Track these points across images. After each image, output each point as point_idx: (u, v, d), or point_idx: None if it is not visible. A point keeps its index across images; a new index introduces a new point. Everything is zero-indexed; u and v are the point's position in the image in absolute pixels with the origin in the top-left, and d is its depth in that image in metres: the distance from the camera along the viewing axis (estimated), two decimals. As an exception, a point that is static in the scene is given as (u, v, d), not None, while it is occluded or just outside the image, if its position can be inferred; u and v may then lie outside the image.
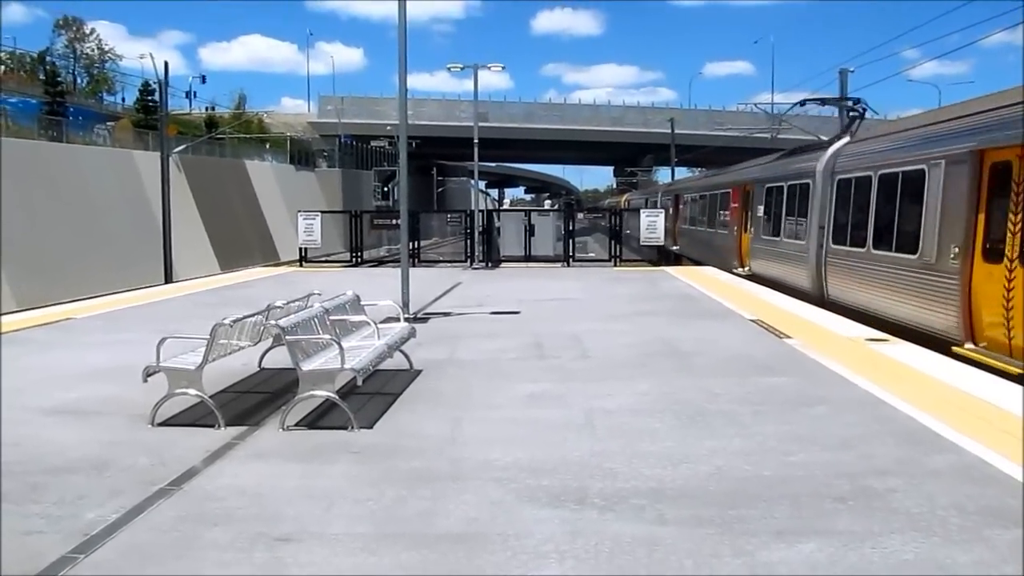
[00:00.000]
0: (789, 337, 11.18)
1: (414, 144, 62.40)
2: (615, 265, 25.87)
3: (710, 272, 22.63)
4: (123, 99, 78.49)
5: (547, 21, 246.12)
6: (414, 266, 20.19)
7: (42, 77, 64.29)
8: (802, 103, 30.96)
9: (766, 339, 11.25)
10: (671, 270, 23.63)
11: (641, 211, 27.73)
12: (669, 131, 69.12)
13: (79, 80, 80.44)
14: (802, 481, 5.53)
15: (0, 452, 6.22)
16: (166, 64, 41.40)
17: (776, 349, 10.50)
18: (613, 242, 27.09)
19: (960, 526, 4.74)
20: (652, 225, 25.78)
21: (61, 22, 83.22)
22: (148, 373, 7.25)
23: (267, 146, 70.34)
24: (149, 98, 62.97)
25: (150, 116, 57.91)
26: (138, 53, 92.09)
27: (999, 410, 7.21)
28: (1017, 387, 8.01)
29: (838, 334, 11.47)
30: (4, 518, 4.94)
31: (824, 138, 25.35)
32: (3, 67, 72.62)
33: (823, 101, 31.66)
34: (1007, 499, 5.14)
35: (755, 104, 56.97)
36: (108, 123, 54.54)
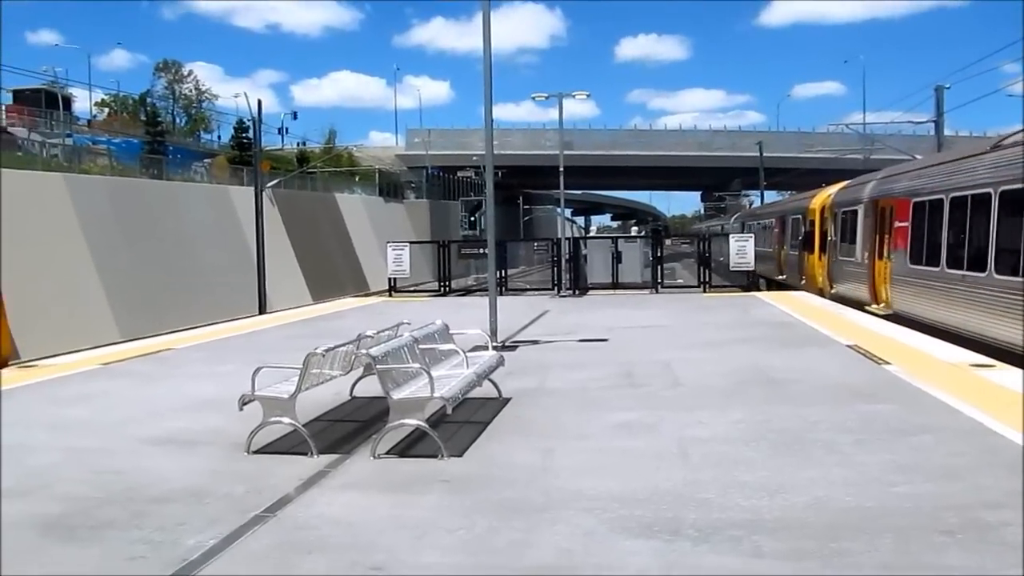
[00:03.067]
0: (888, 363, 10.81)
1: (500, 174, 62.86)
2: (704, 291, 25.51)
3: (803, 297, 22.12)
4: (219, 137, 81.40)
5: (631, 48, 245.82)
6: (501, 294, 20.23)
7: (143, 118, 67.01)
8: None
9: (864, 365, 10.90)
10: (763, 295, 23.18)
11: (730, 236, 27.33)
12: (757, 154, 68.23)
13: (178, 120, 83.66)
14: (907, 513, 5.30)
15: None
16: (259, 102, 42.65)
17: (875, 375, 10.16)
18: (702, 268, 26.73)
19: (1081, 562, 4.48)
20: (742, 250, 25.36)
21: (161, 65, 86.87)
22: (243, 402, 7.40)
23: (356, 179, 71.77)
24: (243, 135, 65.01)
25: (244, 153, 59.75)
26: (233, 92, 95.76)
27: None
28: None
29: (940, 359, 11.05)
30: (108, 544, 5.08)
31: (919, 157, 24.86)
32: (107, 110, 76.02)
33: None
34: None
35: (846, 124, 55.77)
36: (205, 160, 56.59)
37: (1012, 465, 6.25)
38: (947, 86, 35.89)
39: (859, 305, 19.49)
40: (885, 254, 18.86)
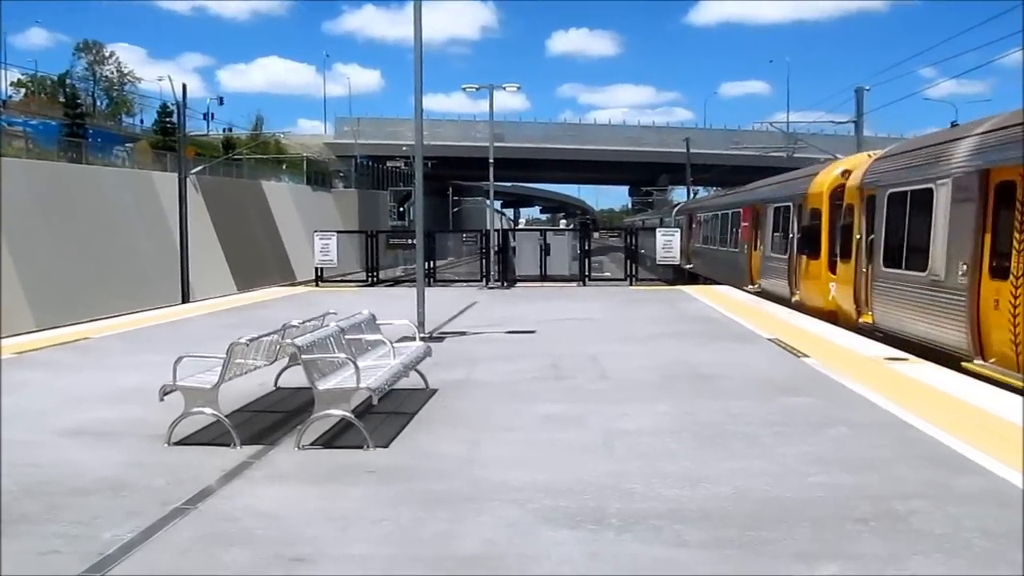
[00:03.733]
0: (808, 356, 11.09)
1: (430, 165, 62.50)
2: (631, 285, 25.80)
3: (727, 292, 22.52)
4: (142, 121, 79.42)
5: (563, 42, 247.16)
6: (430, 286, 20.18)
7: (62, 100, 65.01)
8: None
9: (785, 359, 11.16)
10: (687, 289, 23.53)
11: (657, 230, 27.70)
12: (685, 151, 69.17)
13: (99, 103, 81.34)
14: (824, 503, 5.45)
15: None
16: (184, 86, 41.69)
17: (796, 369, 10.41)
18: (629, 262, 27.05)
19: (985, 549, 4.66)
20: (668, 244, 25.74)
21: (82, 45, 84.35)
22: (164, 392, 7.25)
23: (284, 167, 70.80)
24: (167, 120, 63.54)
25: (168, 138, 58.33)
26: (157, 76, 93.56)
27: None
28: None
29: (856, 353, 11.37)
30: (22, 538, 4.93)
31: (840, 156, 25.35)
32: (24, 90, 73.57)
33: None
34: (1033, 522, 5.05)
35: (771, 123, 56.86)
36: (127, 145, 55.20)
37: (925, 456, 6.46)
38: (867, 88, 36.82)
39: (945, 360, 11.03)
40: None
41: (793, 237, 19.77)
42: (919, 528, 4.99)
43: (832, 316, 16.32)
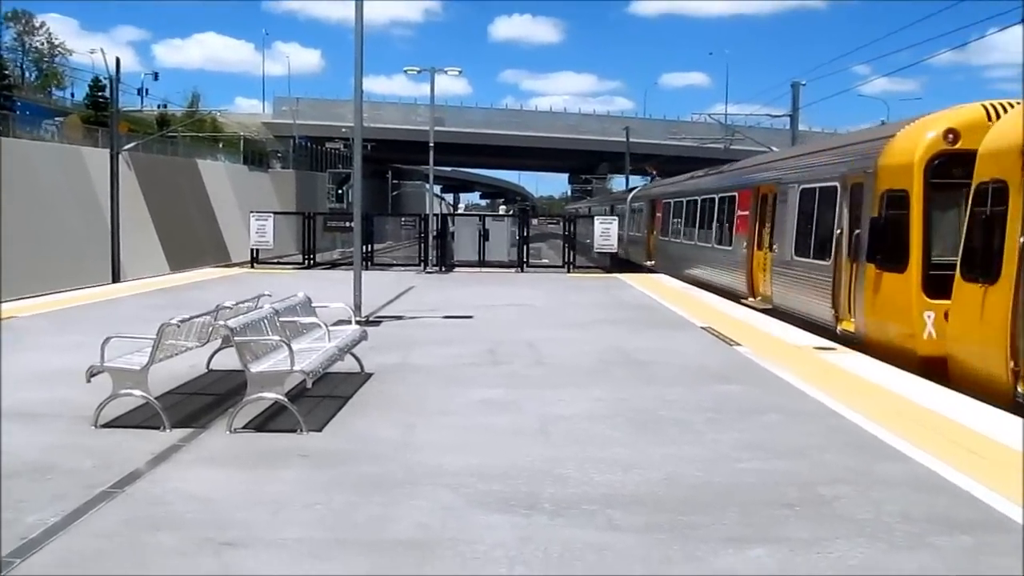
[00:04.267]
0: (740, 345, 11.28)
1: (370, 147, 62.08)
2: (569, 272, 25.93)
3: (662, 279, 22.77)
4: (73, 95, 77.24)
5: (506, 28, 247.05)
6: (367, 269, 20.01)
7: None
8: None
9: (718, 347, 11.34)
10: (624, 277, 23.73)
11: (595, 218, 27.85)
12: (624, 140, 69.66)
13: (28, 75, 78.89)
14: (752, 488, 5.56)
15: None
16: (118, 60, 40.54)
17: (728, 357, 10.59)
18: (567, 249, 27.15)
19: (906, 532, 4.80)
20: (606, 232, 25.92)
21: (9, 15, 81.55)
22: (92, 374, 7.08)
23: (220, 146, 69.52)
24: (100, 94, 61.94)
25: (100, 113, 56.92)
26: (89, 48, 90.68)
27: (946, 420, 7.34)
28: (966, 398, 8.16)
29: (786, 342, 11.60)
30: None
31: (776, 149, 25.73)
32: (-52, 60, 71.03)
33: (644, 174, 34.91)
34: (953, 507, 5.22)
35: (709, 115, 57.46)
36: (57, 119, 53.64)
37: (849, 443, 6.63)
38: (803, 83, 37.49)
39: None
40: None
41: (842, 234, 13.50)
42: (843, 513, 5.12)
43: (929, 366, 10.32)
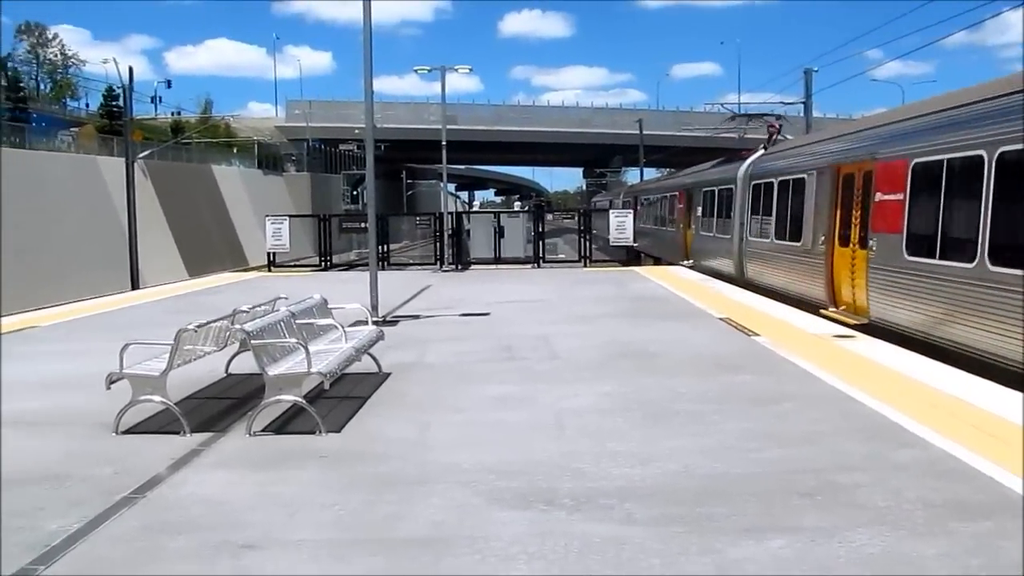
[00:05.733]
0: (757, 335, 11.23)
1: (382, 147, 62.27)
2: (585, 266, 25.90)
3: (680, 272, 22.71)
4: (87, 105, 77.90)
5: (515, 23, 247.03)
6: (383, 269, 20.10)
7: (3, 83, 63.38)
8: (732, 117, 32.17)
9: (734, 337, 11.30)
10: (640, 270, 23.69)
11: (610, 212, 27.80)
12: (637, 132, 69.46)
13: (42, 86, 79.57)
14: (769, 478, 5.54)
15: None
16: (131, 69, 40.80)
17: (744, 347, 10.54)
18: (583, 243, 27.12)
19: (926, 519, 4.77)
20: (621, 225, 25.87)
21: (23, 27, 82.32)
22: (111, 380, 7.13)
23: (234, 151, 69.85)
24: (113, 103, 62.35)
25: (115, 122, 57.31)
26: (102, 58, 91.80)
27: (965, 404, 7.28)
28: (982, 381, 8.10)
29: (805, 331, 11.54)
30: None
31: (789, 137, 25.52)
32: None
33: (749, 117, 32.98)
34: (972, 492, 5.18)
35: (721, 104, 57.26)
36: (72, 129, 54.04)
37: (866, 430, 6.59)
38: (815, 69, 37.26)
39: None
40: None
41: None
42: (862, 500, 5.09)
43: None
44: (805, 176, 16.60)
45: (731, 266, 21.86)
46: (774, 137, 24.20)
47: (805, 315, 13.35)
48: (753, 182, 20.63)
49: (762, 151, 22.07)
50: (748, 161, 21.86)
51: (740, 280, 20.24)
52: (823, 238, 15.36)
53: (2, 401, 7.96)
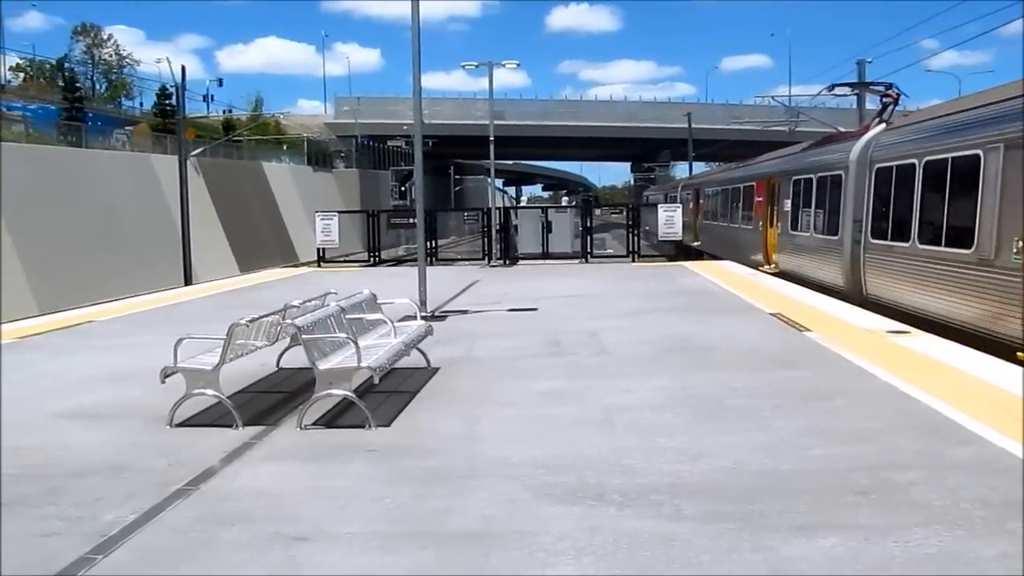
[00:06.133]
0: (809, 331, 11.08)
1: (430, 143, 62.35)
2: (633, 261, 25.77)
3: (729, 267, 22.49)
4: (141, 104, 79.06)
5: (562, 17, 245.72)
6: (431, 265, 20.17)
7: (61, 84, 64.69)
8: (830, 87, 25.98)
9: (786, 333, 11.16)
10: (689, 265, 23.50)
11: (659, 206, 27.62)
12: (686, 126, 68.87)
13: (97, 86, 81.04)
14: (822, 475, 5.46)
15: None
16: (183, 68, 41.39)
17: (795, 343, 10.41)
18: (631, 238, 26.99)
19: (984, 519, 4.67)
20: (670, 220, 25.69)
21: (79, 28, 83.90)
22: (166, 374, 7.26)
23: (284, 148, 70.57)
24: (167, 102, 63.17)
25: (168, 120, 58.11)
26: (155, 58, 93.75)
27: (1022, 400, 7.10)
28: None
29: (858, 327, 11.36)
30: (22, 521, 4.96)
31: (842, 129, 24.88)
32: (23, 75, 73.34)
33: (852, 86, 29.01)
34: (1032, 491, 5.05)
35: (772, 97, 56.54)
36: (126, 128, 54.95)
37: (920, 427, 6.47)
38: (869, 60, 36.60)
39: None
40: None
41: None
42: (917, 499, 5.00)
43: None
44: (981, 153, 11.76)
45: (839, 276, 17.10)
46: (891, 109, 19.10)
47: (855, 309, 13.13)
48: (877, 166, 15.66)
49: (882, 126, 17.30)
50: (864, 140, 17.01)
51: (854, 295, 15.72)
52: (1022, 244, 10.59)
53: (55, 396, 8.14)
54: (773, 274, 20.77)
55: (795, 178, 21.41)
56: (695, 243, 24.97)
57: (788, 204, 21.76)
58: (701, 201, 36.17)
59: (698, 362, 9.37)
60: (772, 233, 23.37)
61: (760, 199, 25.01)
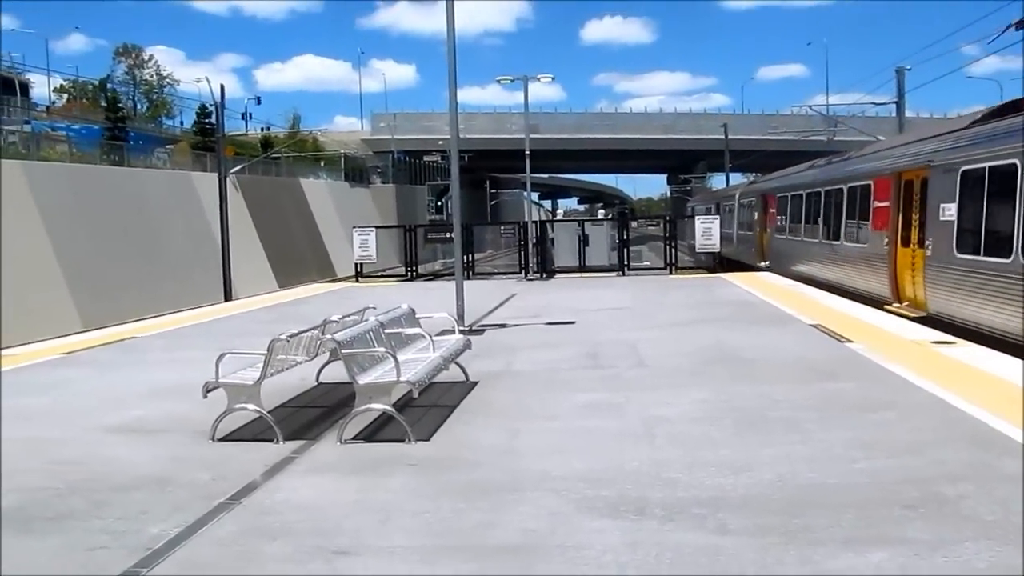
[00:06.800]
0: (851, 341, 10.94)
1: (466, 158, 62.66)
2: (671, 273, 25.64)
3: (767, 277, 22.29)
4: (181, 122, 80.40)
5: (596, 30, 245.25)
6: (468, 278, 20.21)
7: (103, 104, 65.93)
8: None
9: (827, 344, 11.02)
10: (727, 276, 23.33)
11: (696, 218, 27.47)
12: (722, 137, 68.53)
13: (139, 106, 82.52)
14: (869, 488, 5.37)
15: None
16: (222, 87, 41.96)
17: (838, 354, 10.28)
18: (668, 249, 26.86)
19: (1037, 533, 4.56)
20: (707, 232, 25.54)
21: (121, 50, 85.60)
22: (208, 389, 7.33)
23: (322, 164, 71.21)
24: (206, 120, 64.18)
25: (207, 138, 58.91)
26: (195, 77, 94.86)
27: (1074, 412, 6.94)
28: None
29: (901, 337, 11.19)
30: (69, 535, 5.02)
31: (882, 138, 24.53)
32: (67, 96, 74.85)
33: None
34: (1086, 504, 4.93)
35: (810, 106, 56.06)
36: (167, 146, 55.85)
37: (969, 439, 6.35)
38: (908, 67, 36.26)
39: None
40: None
41: None
42: (968, 513, 4.90)
43: None
44: None
45: None
46: None
47: (898, 320, 12.94)
48: None
49: None
50: None
51: None
52: None
53: (87, 413, 8.24)
54: (917, 319, 13.52)
55: (965, 169, 13.21)
56: (762, 263, 22.25)
57: (952, 210, 13.53)
58: (771, 210, 28.43)
59: (738, 374, 9.28)
60: (907, 256, 15.60)
61: (883, 203, 17.01)
